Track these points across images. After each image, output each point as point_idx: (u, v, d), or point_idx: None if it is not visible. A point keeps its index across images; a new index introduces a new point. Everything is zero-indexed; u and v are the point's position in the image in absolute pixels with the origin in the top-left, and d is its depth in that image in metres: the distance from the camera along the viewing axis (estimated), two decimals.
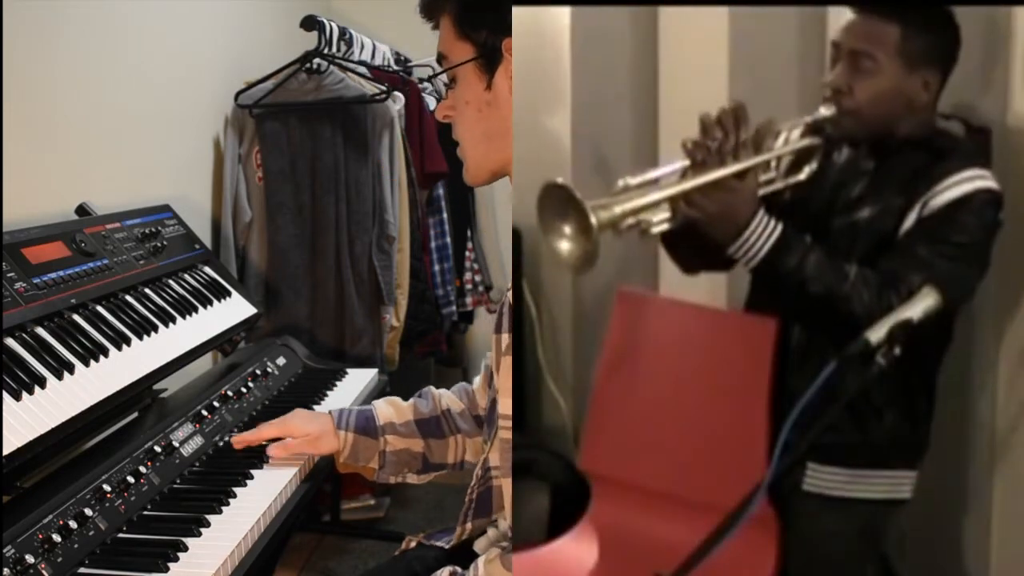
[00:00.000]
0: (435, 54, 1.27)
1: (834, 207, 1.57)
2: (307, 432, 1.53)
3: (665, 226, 1.47)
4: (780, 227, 1.45)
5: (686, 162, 1.46)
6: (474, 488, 1.38)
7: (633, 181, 1.44)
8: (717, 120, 1.44)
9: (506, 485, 1.30)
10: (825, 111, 1.52)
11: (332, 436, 1.50)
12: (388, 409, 1.53)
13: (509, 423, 1.27)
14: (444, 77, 1.26)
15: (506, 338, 1.30)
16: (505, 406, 1.27)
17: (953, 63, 1.52)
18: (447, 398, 1.54)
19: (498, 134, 1.22)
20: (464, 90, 1.22)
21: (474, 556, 1.35)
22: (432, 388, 1.57)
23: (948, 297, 1.30)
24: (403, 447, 1.50)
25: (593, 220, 1.37)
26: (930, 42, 1.48)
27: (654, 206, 1.45)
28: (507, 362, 1.28)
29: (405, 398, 1.61)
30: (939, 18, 1.49)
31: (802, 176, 1.56)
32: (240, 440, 1.57)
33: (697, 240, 1.51)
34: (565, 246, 1.42)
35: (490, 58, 1.19)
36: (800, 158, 1.57)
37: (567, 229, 1.41)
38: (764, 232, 1.44)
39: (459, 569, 1.31)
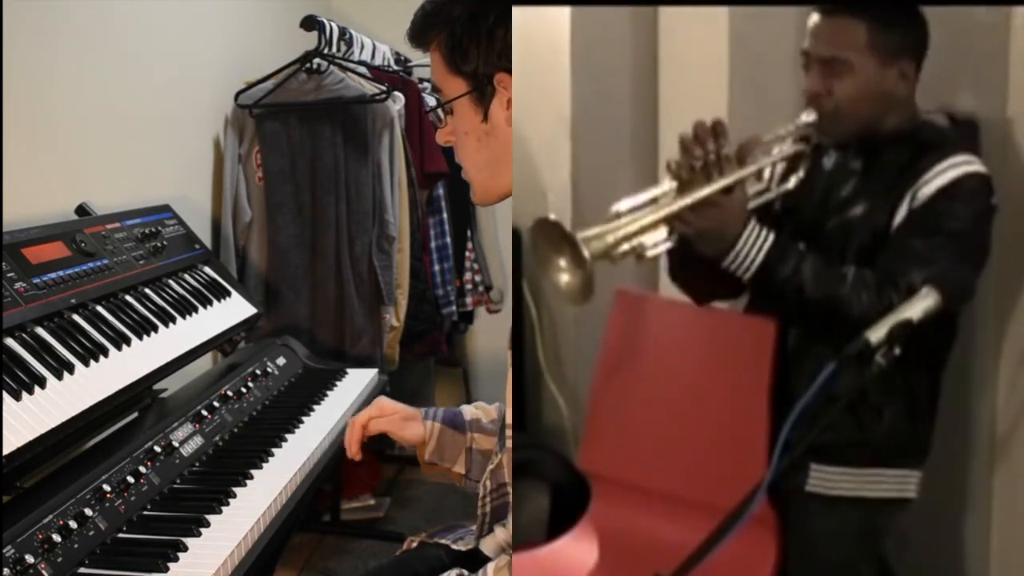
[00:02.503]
0: None
1: (827, 210, 1.57)
2: (395, 410, 1.48)
3: (662, 247, 1.48)
4: (772, 236, 1.45)
5: (674, 183, 1.46)
6: (486, 502, 1.37)
7: (623, 208, 1.45)
8: (694, 137, 1.45)
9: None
10: (807, 117, 1.52)
11: (419, 424, 1.47)
12: (474, 409, 1.52)
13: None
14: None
15: None
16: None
17: (925, 50, 1.51)
18: None
19: (501, 160, 1.22)
20: (461, 121, 1.22)
21: (480, 559, 1.35)
22: None
23: (949, 295, 1.30)
24: (489, 447, 1.48)
25: (586, 253, 1.38)
26: (899, 33, 1.48)
27: (646, 230, 1.45)
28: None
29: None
30: (905, 8, 1.49)
31: (790, 185, 1.57)
32: (355, 448, 1.47)
33: (702, 270, 1.51)
34: (563, 279, 1.43)
35: (483, 91, 1.19)
36: (788, 168, 1.57)
37: (563, 262, 1.42)
38: (756, 243, 1.44)
39: (466, 572, 1.31)
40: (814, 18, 1.50)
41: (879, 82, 1.48)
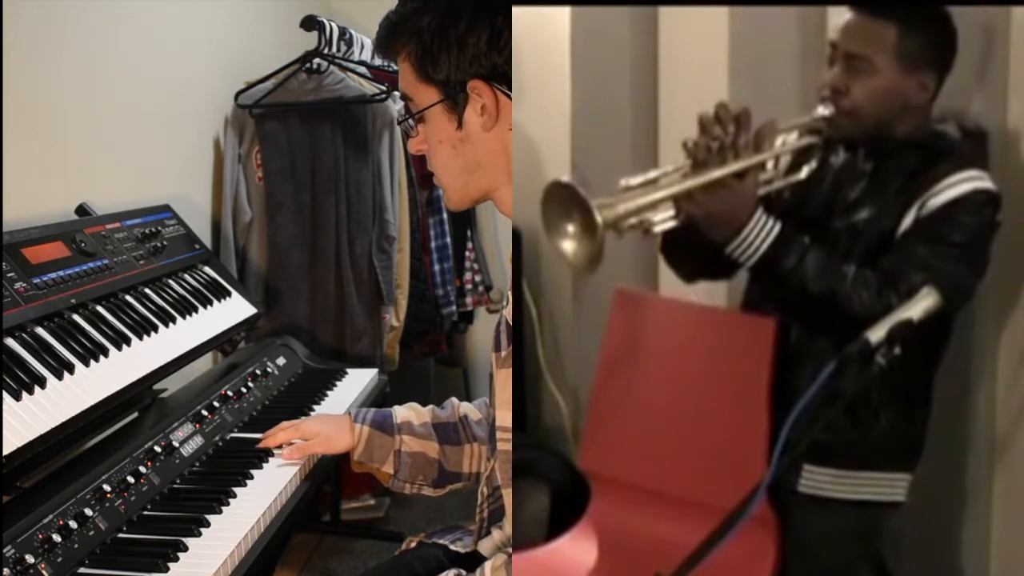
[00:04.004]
0: None
1: (833, 209, 1.57)
2: (318, 432, 1.54)
3: (668, 224, 1.47)
4: (778, 226, 1.45)
5: (687, 161, 1.46)
6: (483, 507, 1.37)
7: (634, 181, 1.44)
8: (715, 117, 1.44)
9: (506, 495, 1.29)
10: (823, 111, 1.52)
11: (347, 432, 1.50)
12: (407, 411, 1.53)
13: (508, 435, 1.26)
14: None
15: (504, 352, 1.29)
16: (504, 419, 1.26)
17: (949, 66, 1.52)
18: (466, 407, 1.55)
19: (477, 166, 1.20)
20: (435, 130, 1.20)
21: (478, 560, 1.35)
22: (454, 399, 1.57)
23: (947, 297, 1.30)
24: (419, 450, 1.49)
25: (598, 218, 1.37)
26: (927, 43, 1.49)
27: (656, 205, 1.45)
28: (504, 374, 1.28)
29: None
30: (936, 20, 1.50)
31: (802, 175, 1.56)
32: (264, 444, 1.59)
33: (696, 247, 1.51)
34: (569, 246, 1.41)
35: (456, 99, 1.17)
36: (799, 158, 1.57)
37: (571, 228, 1.40)
38: (763, 231, 1.44)
39: (464, 572, 1.31)
40: (846, 15, 1.51)
41: (898, 87, 1.49)
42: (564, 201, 1.40)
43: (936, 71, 1.51)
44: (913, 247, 1.45)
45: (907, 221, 1.48)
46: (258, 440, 1.62)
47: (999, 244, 1.51)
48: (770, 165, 1.55)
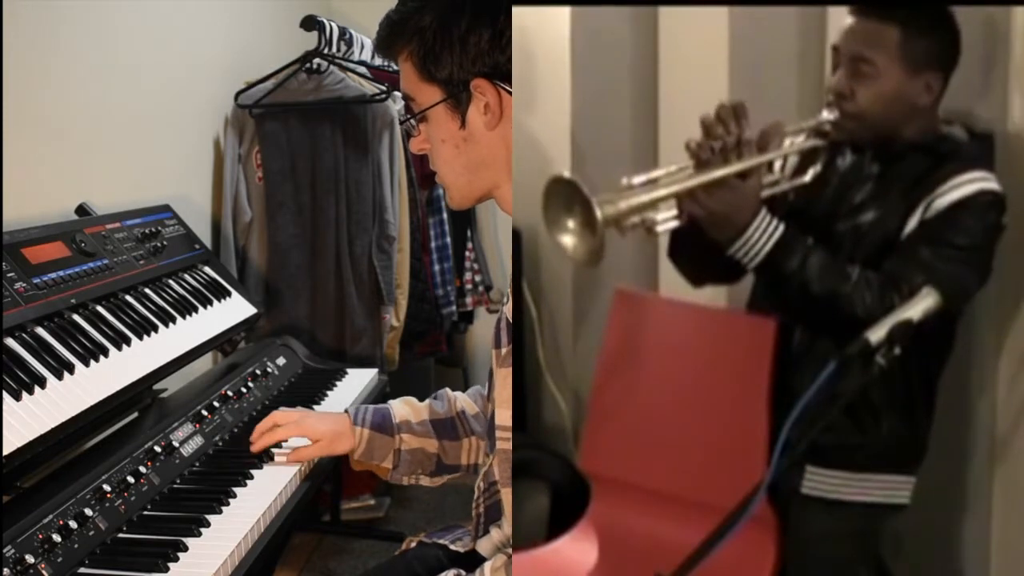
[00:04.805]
0: None
1: (838, 211, 1.57)
2: (322, 435, 1.51)
3: (671, 224, 1.47)
4: (782, 227, 1.45)
5: (689, 161, 1.46)
6: (480, 502, 1.37)
7: (636, 180, 1.44)
8: (717, 118, 1.44)
9: (505, 495, 1.29)
10: (828, 115, 1.52)
11: (348, 434, 1.49)
12: (404, 408, 1.52)
13: (508, 434, 1.26)
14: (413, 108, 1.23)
15: (504, 350, 1.29)
16: (504, 417, 1.26)
17: (954, 65, 1.52)
18: (462, 400, 1.54)
19: (480, 164, 1.20)
20: (437, 129, 1.20)
21: (478, 560, 1.35)
22: (448, 390, 1.56)
23: (948, 298, 1.30)
24: (418, 446, 1.49)
25: (599, 214, 1.37)
26: (931, 43, 1.48)
27: (658, 204, 1.45)
28: (504, 373, 1.27)
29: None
30: (939, 19, 1.49)
31: (806, 178, 1.56)
32: (259, 445, 1.55)
33: (702, 250, 1.51)
34: (570, 241, 1.41)
35: (459, 98, 1.17)
36: (804, 160, 1.57)
37: (572, 224, 1.40)
38: (766, 232, 1.44)
39: (463, 572, 1.31)
40: (848, 19, 1.51)
41: (903, 89, 1.49)
42: (566, 196, 1.40)
43: (941, 71, 1.50)
44: (917, 249, 1.45)
45: (912, 223, 1.48)
46: None
47: (1000, 246, 1.51)
48: (776, 167, 1.55)
